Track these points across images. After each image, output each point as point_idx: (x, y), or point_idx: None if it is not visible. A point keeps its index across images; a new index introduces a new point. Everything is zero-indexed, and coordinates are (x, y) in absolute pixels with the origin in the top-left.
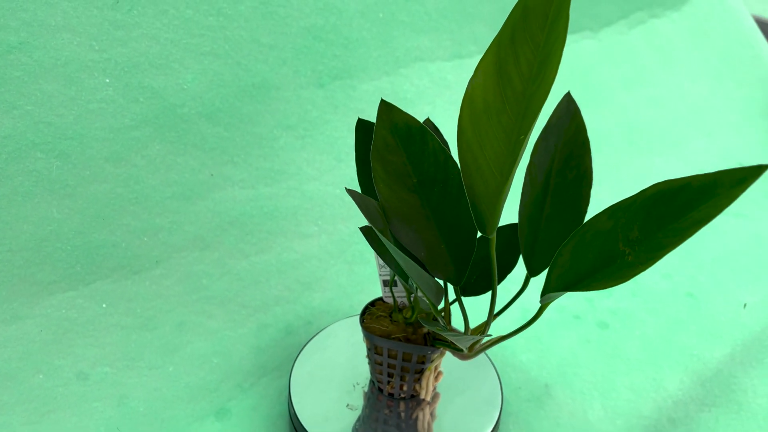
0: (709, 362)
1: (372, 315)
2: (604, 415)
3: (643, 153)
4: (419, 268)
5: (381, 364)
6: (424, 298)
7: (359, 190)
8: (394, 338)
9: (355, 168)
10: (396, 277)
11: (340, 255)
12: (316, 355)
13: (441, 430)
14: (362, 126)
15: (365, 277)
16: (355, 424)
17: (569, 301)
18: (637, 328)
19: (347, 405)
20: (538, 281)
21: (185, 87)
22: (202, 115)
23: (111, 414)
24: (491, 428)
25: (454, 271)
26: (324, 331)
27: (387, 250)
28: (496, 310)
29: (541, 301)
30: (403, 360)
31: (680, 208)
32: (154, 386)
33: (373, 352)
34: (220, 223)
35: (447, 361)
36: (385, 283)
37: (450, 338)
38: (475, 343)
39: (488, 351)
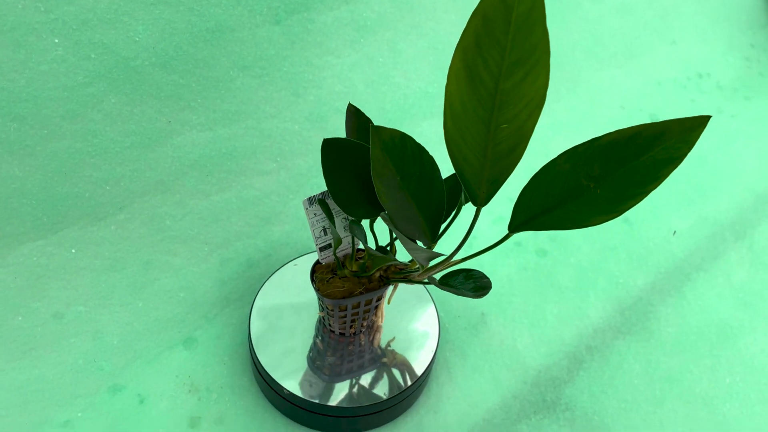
0: (632, 290)
1: (322, 281)
2: (531, 343)
3: (604, 66)
4: (422, 248)
5: (345, 317)
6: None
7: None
8: (358, 293)
9: (313, 104)
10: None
11: (299, 189)
12: (275, 290)
13: (388, 358)
14: (329, 145)
15: None
16: (314, 364)
17: None
18: (573, 255)
19: (311, 350)
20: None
21: (137, 39)
22: (156, 65)
23: (87, 348)
24: (431, 356)
25: (430, 235)
26: (284, 267)
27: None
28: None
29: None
30: (365, 305)
31: (636, 151)
32: (125, 321)
33: (337, 311)
34: (180, 166)
35: (393, 299)
36: (322, 249)
37: (426, 275)
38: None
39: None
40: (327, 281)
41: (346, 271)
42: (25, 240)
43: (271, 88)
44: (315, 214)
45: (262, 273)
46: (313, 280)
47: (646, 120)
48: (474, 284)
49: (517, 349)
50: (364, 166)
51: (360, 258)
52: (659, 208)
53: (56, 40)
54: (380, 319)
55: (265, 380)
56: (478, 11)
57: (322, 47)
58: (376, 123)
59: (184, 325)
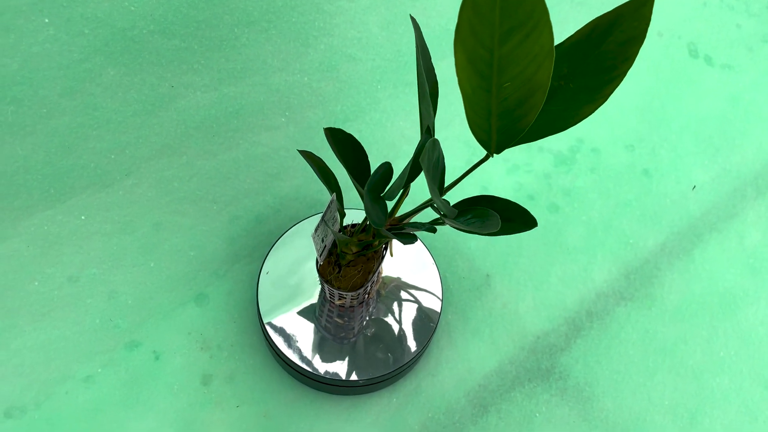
0: (641, 252)
1: (337, 279)
2: (533, 307)
3: None
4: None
5: (366, 292)
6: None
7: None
8: (375, 270)
9: (324, 53)
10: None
11: (308, 143)
12: (282, 253)
13: (393, 325)
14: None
15: (334, 161)
16: (321, 332)
17: (528, 177)
18: (585, 212)
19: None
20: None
21: (132, 8)
22: (154, 32)
23: (103, 308)
24: (434, 324)
25: (438, 191)
26: (296, 226)
27: None
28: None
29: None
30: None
31: (597, 41)
32: (138, 281)
33: (362, 292)
34: (185, 129)
35: (397, 265)
36: (320, 254)
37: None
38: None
39: (440, 239)
40: (338, 276)
41: (349, 256)
42: (35, 211)
43: (279, 40)
44: (318, 234)
45: (272, 229)
46: (328, 282)
47: (684, 50)
48: (479, 221)
49: (518, 313)
50: (379, 178)
51: (351, 235)
52: (681, 158)
53: (46, 20)
54: (382, 271)
55: (271, 346)
56: (466, 2)
57: None
58: (390, 67)
59: (196, 282)
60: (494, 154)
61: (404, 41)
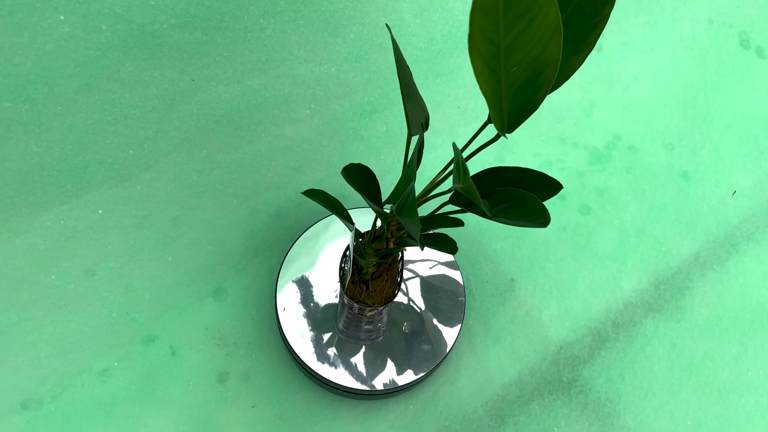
0: (673, 261)
1: (368, 296)
2: (557, 315)
3: None
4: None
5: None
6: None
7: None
8: (399, 273)
9: (353, 43)
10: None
11: (333, 135)
12: (305, 247)
13: (415, 331)
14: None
15: (358, 155)
16: (340, 335)
17: (560, 175)
18: (618, 215)
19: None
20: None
21: (152, 3)
22: (175, 26)
23: (120, 301)
24: (456, 333)
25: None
26: (318, 222)
27: None
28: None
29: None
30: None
31: None
32: (155, 275)
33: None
34: (206, 123)
35: (420, 268)
36: (347, 279)
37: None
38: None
39: (465, 240)
40: (369, 293)
41: (371, 269)
42: (51, 206)
43: (306, 31)
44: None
45: (292, 223)
46: (360, 302)
47: (734, 39)
48: (518, 209)
49: (542, 321)
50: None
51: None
52: (723, 160)
53: (62, 17)
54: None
55: (289, 350)
56: (475, 7)
57: None
58: (422, 57)
59: (214, 276)
60: (506, 136)
61: (438, 29)
